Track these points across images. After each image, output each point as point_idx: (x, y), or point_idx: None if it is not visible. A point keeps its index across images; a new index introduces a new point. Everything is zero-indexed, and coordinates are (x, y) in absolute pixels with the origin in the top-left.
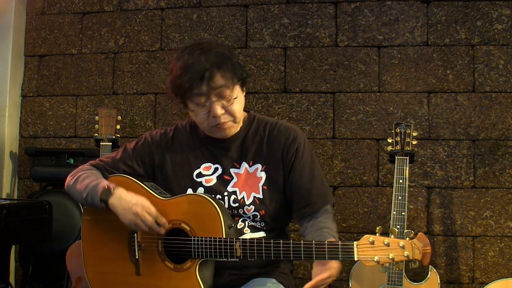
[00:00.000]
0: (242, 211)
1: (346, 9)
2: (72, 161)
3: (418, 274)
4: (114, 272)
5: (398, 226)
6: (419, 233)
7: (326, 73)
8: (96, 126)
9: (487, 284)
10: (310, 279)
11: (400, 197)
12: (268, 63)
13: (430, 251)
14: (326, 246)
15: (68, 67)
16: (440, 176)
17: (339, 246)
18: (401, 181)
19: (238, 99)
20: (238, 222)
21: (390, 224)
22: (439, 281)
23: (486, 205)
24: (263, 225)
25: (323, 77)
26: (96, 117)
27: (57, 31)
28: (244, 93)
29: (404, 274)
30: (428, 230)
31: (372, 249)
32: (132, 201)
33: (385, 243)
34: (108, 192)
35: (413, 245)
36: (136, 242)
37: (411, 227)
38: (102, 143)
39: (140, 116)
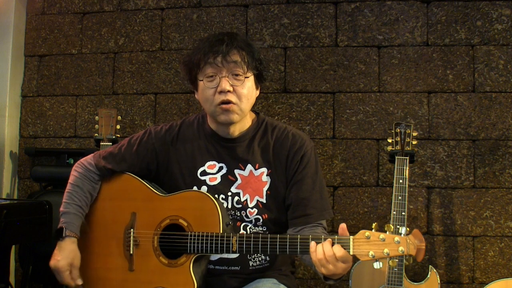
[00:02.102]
0: (245, 213)
1: (346, 9)
2: (72, 161)
3: (418, 274)
4: (107, 268)
5: (398, 226)
6: (414, 230)
7: (326, 73)
8: (96, 126)
9: (487, 284)
10: (310, 279)
11: (400, 197)
12: (268, 63)
13: (424, 247)
14: (323, 240)
15: (68, 67)
16: (440, 176)
17: (336, 240)
18: (401, 181)
19: (249, 87)
20: (240, 229)
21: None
22: (439, 281)
23: (486, 205)
24: (265, 229)
25: (323, 77)
26: (96, 117)
27: (57, 31)
28: (258, 93)
29: (404, 274)
30: (428, 230)
31: (367, 244)
32: (56, 257)
33: (381, 238)
34: (59, 236)
35: (408, 240)
36: (132, 238)
37: (411, 227)
38: (102, 143)
39: (140, 116)
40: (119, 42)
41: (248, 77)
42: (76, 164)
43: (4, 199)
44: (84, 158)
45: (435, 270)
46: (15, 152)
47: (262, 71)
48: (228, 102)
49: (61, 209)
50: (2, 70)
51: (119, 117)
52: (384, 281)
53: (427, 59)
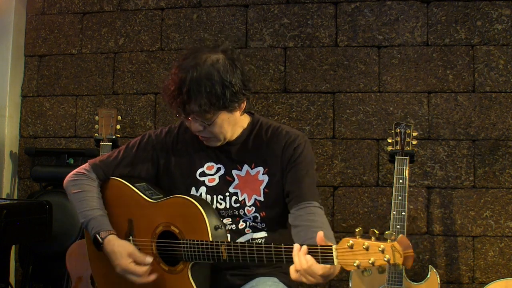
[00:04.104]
0: (243, 212)
1: (346, 9)
2: (72, 161)
3: (418, 274)
4: (117, 275)
5: (398, 226)
6: (400, 235)
7: (326, 73)
8: (96, 126)
9: (487, 284)
10: None
11: (400, 197)
12: (268, 63)
13: (412, 254)
14: (307, 250)
15: (68, 67)
16: (440, 176)
17: (319, 250)
18: (401, 181)
19: (220, 123)
20: (240, 222)
21: (390, 224)
22: (439, 281)
23: (486, 205)
24: (263, 226)
25: (323, 77)
26: (96, 117)
27: (57, 31)
28: (241, 110)
29: (404, 274)
30: (428, 230)
31: (351, 253)
32: (115, 262)
33: (364, 247)
34: (98, 244)
35: (394, 248)
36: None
37: (411, 227)
38: (102, 143)
39: (140, 116)
40: (119, 42)
41: (214, 118)
42: (70, 175)
43: (4, 199)
44: (76, 169)
45: (435, 270)
46: (15, 152)
47: (233, 102)
48: (203, 137)
49: (82, 220)
50: (2, 70)
51: (119, 117)
52: (384, 281)
53: (427, 59)
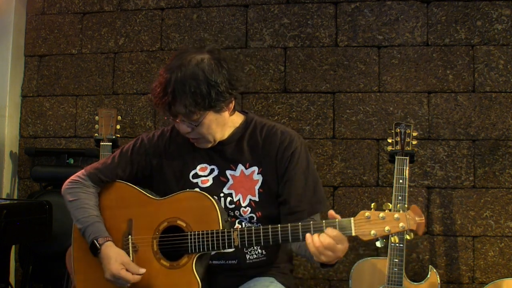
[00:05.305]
0: (239, 212)
1: (346, 9)
2: (72, 161)
3: (418, 274)
4: (101, 282)
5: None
6: (412, 205)
7: (326, 73)
8: (96, 126)
9: (487, 284)
10: (310, 279)
11: (400, 197)
12: (268, 63)
13: (423, 221)
14: (324, 224)
15: (68, 67)
16: (440, 176)
17: (337, 223)
18: (401, 181)
19: (208, 124)
20: (235, 223)
21: None
22: (439, 281)
23: (486, 205)
24: (260, 226)
25: (323, 77)
26: (96, 117)
27: (57, 31)
28: (230, 110)
29: (404, 274)
30: (428, 230)
31: (368, 224)
32: (107, 267)
33: (381, 217)
34: (96, 250)
35: (408, 216)
36: (130, 244)
37: None
38: (102, 143)
39: (140, 116)
40: (119, 42)
41: (202, 119)
42: (66, 183)
43: (4, 199)
44: (72, 176)
45: (435, 270)
46: (15, 152)
47: (219, 101)
48: (192, 138)
49: (79, 226)
50: (2, 70)
51: (119, 117)
52: (384, 281)
53: (427, 59)
